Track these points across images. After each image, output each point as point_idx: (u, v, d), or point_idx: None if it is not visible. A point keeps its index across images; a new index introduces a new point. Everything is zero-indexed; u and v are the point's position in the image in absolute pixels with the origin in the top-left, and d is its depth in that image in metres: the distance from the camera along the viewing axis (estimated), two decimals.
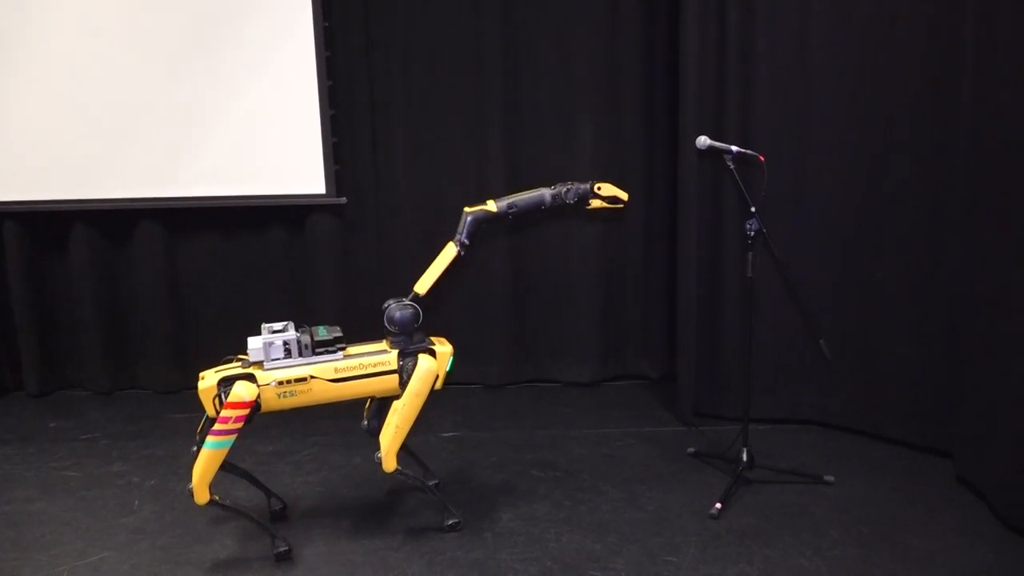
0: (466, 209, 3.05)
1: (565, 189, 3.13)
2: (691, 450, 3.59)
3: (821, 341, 3.47)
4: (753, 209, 3.12)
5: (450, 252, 3.01)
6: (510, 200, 3.07)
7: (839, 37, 3.52)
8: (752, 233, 3.13)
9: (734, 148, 3.21)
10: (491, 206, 3.05)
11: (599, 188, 3.21)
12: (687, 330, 3.91)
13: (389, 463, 2.81)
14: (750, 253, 3.16)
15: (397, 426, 2.81)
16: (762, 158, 3.23)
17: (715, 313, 3.89)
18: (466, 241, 3.01)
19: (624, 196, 3.27)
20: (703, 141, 3.25)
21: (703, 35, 3.72)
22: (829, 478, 3.26)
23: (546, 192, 3.12)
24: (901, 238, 3.47)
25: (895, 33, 3.38)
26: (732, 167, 3.18)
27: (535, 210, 3.13)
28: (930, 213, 3.38)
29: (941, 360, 3.40)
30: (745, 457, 3.23)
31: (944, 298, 3.36)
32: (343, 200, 4.38)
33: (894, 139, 3.45)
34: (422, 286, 2.98)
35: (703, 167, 3.77)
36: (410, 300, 2.93)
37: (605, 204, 3.25)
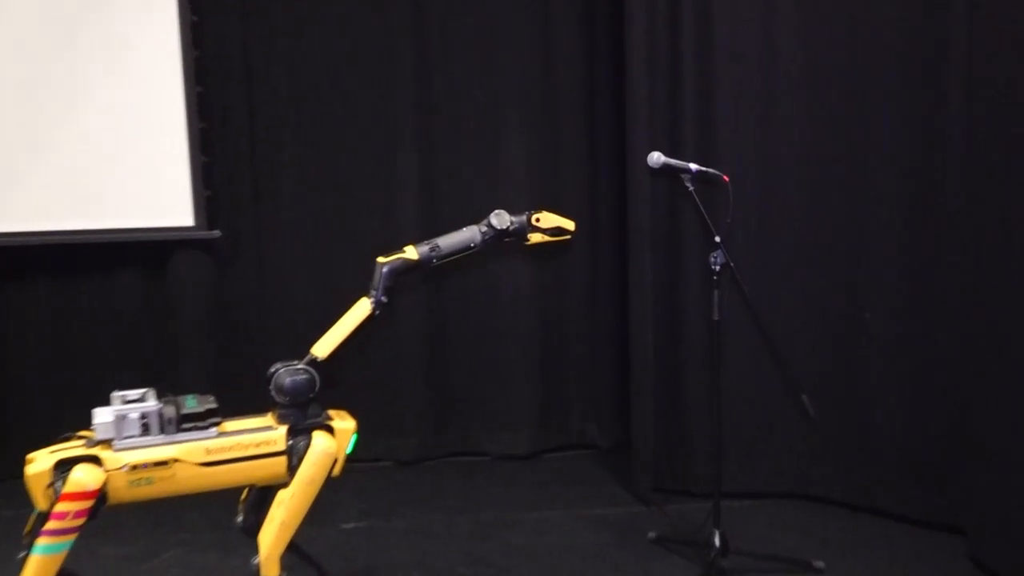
0: (380, 259, 2.98)
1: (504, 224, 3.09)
2: (652, 535, 3.58)
3: (804, 396, 3.50)
4: (718, 239, 3.15)
5: (362, 310, 2.92)
6: (433, 243, 3.02)
7: (811, 35, 3.61)
8: (718, 268, 3.15)
9: (693, 166, 3.24)
10: (410, 253, 3.00)
11: (537, 219, 3.17)
12: (643, 388, 3.92)
13: (270, 569, 2.71)
14: (716, 292, 3.18)
15: (283, 522, 2.71)
16: (726, 178, 3.26)
17: (676, 366, 3.91)
18: (383, 298, 2.94)
19: (570, 225, 3.25)
20: (656, 158, 3.27)
21: (652, 34, 3.78)
22: (819, 564, 3.26)
23: (476, 230, 3.07)
24: (888, 269, 3.54)
25: (874, 31, 3.48)
26: (692, 189, 3.22)
27: (464, 252, 3.07)
28: (923, 238, 3.45)
29: (944, 416, 3.44)
30: (718, 541, 3.21)
31: (944, 340, 3.42)
32: (216, 234, 4.34)
33: (876, 152, 3.55)
34: (322, 349, 2.88)
35: (657, 190, 3.82)
36: (305, 364, 2.83)
37: (547, 237, 3.23)
